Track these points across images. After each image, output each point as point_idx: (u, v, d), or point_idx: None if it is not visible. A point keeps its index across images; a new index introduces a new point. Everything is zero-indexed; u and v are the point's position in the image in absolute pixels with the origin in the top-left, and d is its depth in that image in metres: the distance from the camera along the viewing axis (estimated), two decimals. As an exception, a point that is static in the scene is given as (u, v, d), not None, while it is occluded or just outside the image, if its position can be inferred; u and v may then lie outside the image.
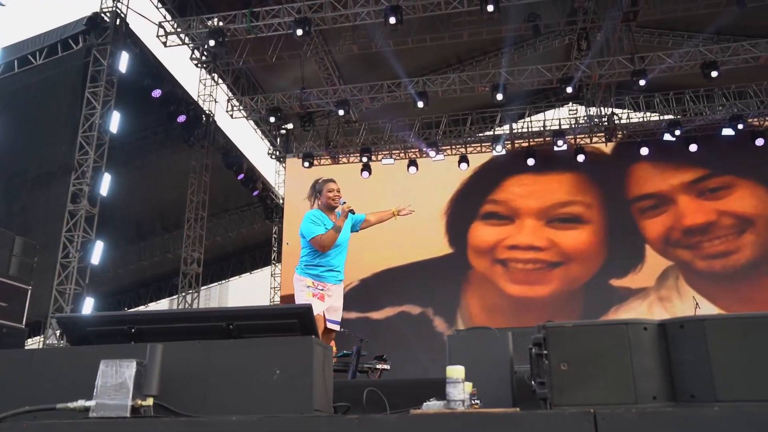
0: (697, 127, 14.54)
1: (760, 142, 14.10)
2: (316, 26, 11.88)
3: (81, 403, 2.08)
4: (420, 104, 13.34)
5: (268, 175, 17.25)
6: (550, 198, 14.81)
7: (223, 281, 20.90)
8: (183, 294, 13.67)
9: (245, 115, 15.01)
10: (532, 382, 2.30)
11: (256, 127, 16.28)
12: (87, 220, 10.38)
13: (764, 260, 13.60)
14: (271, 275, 17.31)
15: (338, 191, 4.80)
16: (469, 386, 2.18)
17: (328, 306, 4.59)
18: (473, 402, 2.20)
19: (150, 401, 2.07)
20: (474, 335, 2.58)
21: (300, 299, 4.48)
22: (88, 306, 10.10)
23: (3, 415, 2.08)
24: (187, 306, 13.67)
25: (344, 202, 4.67)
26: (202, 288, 14.78)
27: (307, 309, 2.47)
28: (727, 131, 14.09)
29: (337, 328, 4.65)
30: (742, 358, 1.96)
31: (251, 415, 2.09)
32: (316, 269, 4.62)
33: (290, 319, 2.48)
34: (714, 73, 12.18)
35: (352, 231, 4.89)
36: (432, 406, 2.43)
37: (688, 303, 12.57)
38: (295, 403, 2.15)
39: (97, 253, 10.51)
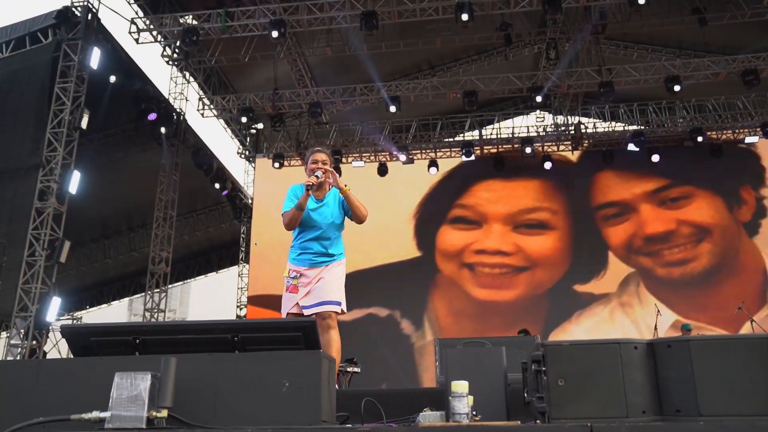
0: (660, 138, 15.03)
1: (718, 154, 14.63)
2: (291, 28, 11.90)
3: (96, 414, 2.13)
4: (392, 109, 13.46)
5: (237, 174, 17.19)
6: (517, 204, 15.11)
7: (189, 280, 20.68)
8: (150, 293, 13.51)
9: (216, 114, 14.94)
10: (525, 395, 2.44)
11: (226, 126, 16.20)
12: (55, 218, 10.20)
13: (719, 268, 14.14)
14: (239, 275, 17.22)
15: (323, 163, 4.17)
16: (471, 399, 2.30)
17: (306, 292, 4.11)
18: (473, 414, 2.33)
19: (164, 413, 2.13)
20: (470, 350, 2.71)
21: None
22: (55, 306, 9.92)
23: (17, 426, 2.11)
24: (153, 305, 13.52)
25: (311, 185, 4.06)
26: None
27: (312, 324, 2.56)
28: (688, 143, 14.60)
29: (318, 310, 4.04)
30: (724, 375, 2.13)
31: (262, 426, 2.17)
32: (295, 252, 4.22)
33: (294, 332, 2.56)
34: (677, 87, 12.60)
35: (347, 215, 4.33)
36: (429, 416, 2.55)
37: (648, 309, 12.99)
38: (303, 415, 2.24)
39: (65, 251, 10.33)
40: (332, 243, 4.26)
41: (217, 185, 15.38)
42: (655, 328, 10.72)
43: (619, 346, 2.20)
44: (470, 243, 15.02)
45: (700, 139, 14.41)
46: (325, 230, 4.23)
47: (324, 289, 4.10)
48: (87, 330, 2.66)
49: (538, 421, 2.21)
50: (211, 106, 14.69)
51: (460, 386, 2.26)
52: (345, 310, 4.22)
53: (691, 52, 14.30)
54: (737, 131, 15.01)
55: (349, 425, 2.66)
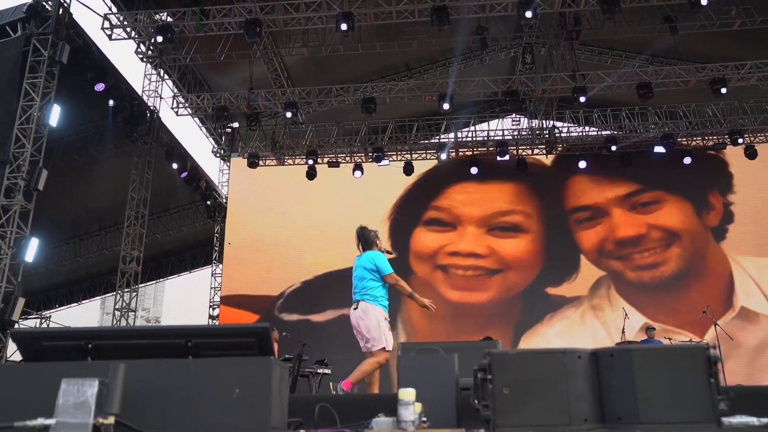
0: (632, 143, 15.25)
1: (687, 160, 14.89)
2: (267, 28, 11.85)
3: (41, 421, 2.11)
4: (368, 111, 13.46)
5: (212, 173, 17.08)
6: (491, 206, 15.22)
7: (161, 280, 20.50)
8: (120, 293, 13.36)
9: (191, 112, 14.82)
10: (475, 402, 2.47)
11: (201, 124, 16.08)
12: (21, 216, 10.04)
13: (688, 272, 14.38)
14: (212, 275, 17.10)
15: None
16: (419, 407, 2.33)
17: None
18: (422, 421, 2.36)
19: (111, 420, 2.12)
20: (423, 357, 2.74)
21: (379, 328, 5.29)
22: (20, 305, 9.75)
23: (-40, 433, 2.09)
24: (124, 305, 13.38)
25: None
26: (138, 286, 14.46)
27: (265, 329, 2.57)
28: (659, 149, 14.84)
29: None
30: (664, 384, 2.18)
31: (211, 433, 2.17)
32: (385, 301, 5.45)
33: (248, 338, 2.57)
34: (649, 94, 12.77)
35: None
36: (382, 422, 2.57)
37: (619, 312, 13.16)
38: (253, 422, 2.25)
39: (32, 250, 10.19)
40: None
41: (191, 184, 15.24)
42: (623, 331, 10.89)
43: (564, 355, 2.24)
44: (444, 245, 15.10)
45: (671, 144, 14.63)
46: None
47: None
48: (39, 335, 2.64)
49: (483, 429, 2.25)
50: (186, 105, 14.58)
51: (407, 394, 2.29)
52: None
53: (663, 60, 14.53)
54: (706, 138, 15.28)
55: (303, 430, 2.67)
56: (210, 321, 16.39)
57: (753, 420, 2.42)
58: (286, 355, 9.29)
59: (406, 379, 2.56)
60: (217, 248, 17.13)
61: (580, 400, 2.20)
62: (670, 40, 12.83)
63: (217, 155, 17.02)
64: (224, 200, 16.67)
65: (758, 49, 13.37)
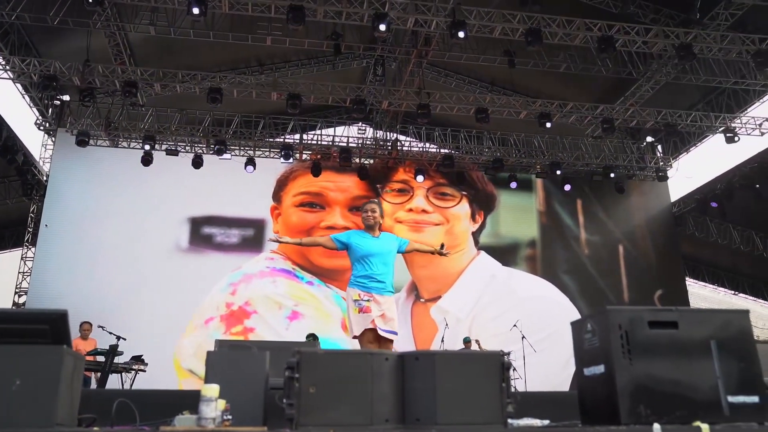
0: (468, 164, 16.20)
1: (513, 185, 16.12)
2: (111, -2, 11.05)
3: None
4: (213, 102, 13.00)
5: (33, 147, 15.50)
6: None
7: (-42, 259, 18.19)
8: None
9: (12, 77, 13.35)
10: (285, 400, 2.46)
11: (24, 92, 14.55)
12: None
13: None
14: (22, 258, 15.49)
15: (372, 211, 5.14)
16: (222, 403, 2.27)
17: (380, 314, 4.87)
18: (225, 419, 2.30)
19: None
20: (232, 354, 2.68)
21: (349, 315, 5.01)
22: None
23: None
24: None
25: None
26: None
27: (61, 315, 2.37)
28: (491, 172, 15.91)
29: (393, 337, 4.95)
30: (462, 387, 2.32)
31: (-18, 428, 1.95)
32: (364, 280, 4.97)
33: (40, 325, 2.35)
34: (486, 119, 13.64)
35: (398, 252, 5.23)
36: (184, 420, 2.47)
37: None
38: (35, 417, 2.05)
39: None
40: (391, 274, 5.09)
41: (5, 156, 13.71)
42: (442, 340, 11.47)
43: (372, 356, 2.31)
44: (320, 221, 15.24)
45: (501, 168, 15.77)
46: (386, 261, 5.04)
47: (395, 320, 5.03)
48: None
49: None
50: (7, 68, 13.11)
51: (209, 390, 2.23)
52: None
53: (501, 90, 15.63)
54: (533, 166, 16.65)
55: (96, 428, 2.50)
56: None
57: (537, 422, 2.67)
58: (98, 348, 8.65)
59: (213, 375, 2.48)
60: (31, 229, 15.56)
61: (383, 401, 2.27)
62: (508, 72, 13.85)
63: (41, 128, 15.51)
64: (45, 178, 15.22)
65: (579, 92, 14.89)
